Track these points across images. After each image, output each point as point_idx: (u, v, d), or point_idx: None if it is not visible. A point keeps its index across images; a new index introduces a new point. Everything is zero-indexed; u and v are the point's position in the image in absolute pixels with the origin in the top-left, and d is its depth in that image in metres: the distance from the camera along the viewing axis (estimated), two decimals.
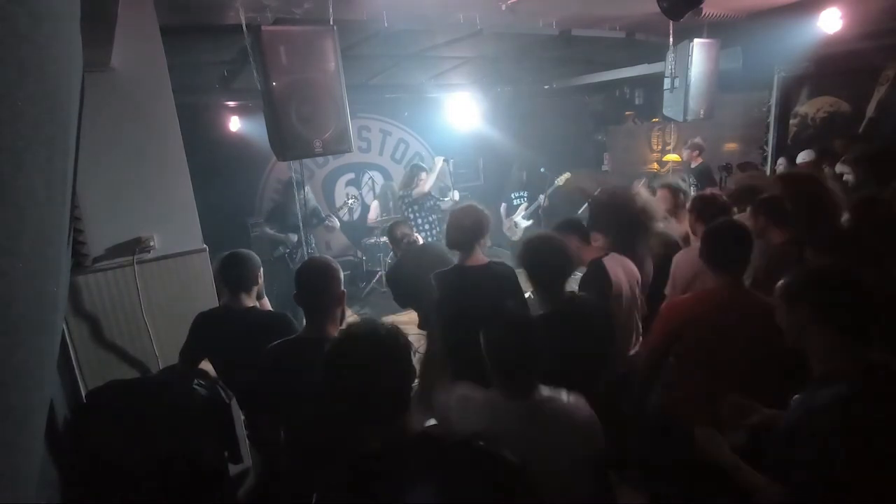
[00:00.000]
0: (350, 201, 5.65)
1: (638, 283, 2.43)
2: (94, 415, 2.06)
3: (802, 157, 4.38)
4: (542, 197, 5.39)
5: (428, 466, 1.00)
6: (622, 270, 2.36)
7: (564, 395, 1.47)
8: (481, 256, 2.31)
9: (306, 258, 4.20)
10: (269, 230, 4.87)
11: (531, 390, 1.44)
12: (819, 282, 1.30)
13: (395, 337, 1.08)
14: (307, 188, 4.59)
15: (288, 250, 4.77)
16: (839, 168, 3.47)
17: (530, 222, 5.44)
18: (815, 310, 1.27)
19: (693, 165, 5.21)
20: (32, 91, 0.60)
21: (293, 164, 3.88)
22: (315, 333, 1.69)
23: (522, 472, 1.05)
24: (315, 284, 1.70)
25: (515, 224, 5.47)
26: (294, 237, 4.75)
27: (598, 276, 2.30)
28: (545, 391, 1.46)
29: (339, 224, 5.31)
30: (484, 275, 2.24)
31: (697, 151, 5.20)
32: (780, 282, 1.37)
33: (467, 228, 2.28)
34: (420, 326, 2.38)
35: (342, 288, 1.75)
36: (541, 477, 1.32)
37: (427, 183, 4.76)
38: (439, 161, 5.02)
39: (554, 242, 1.94)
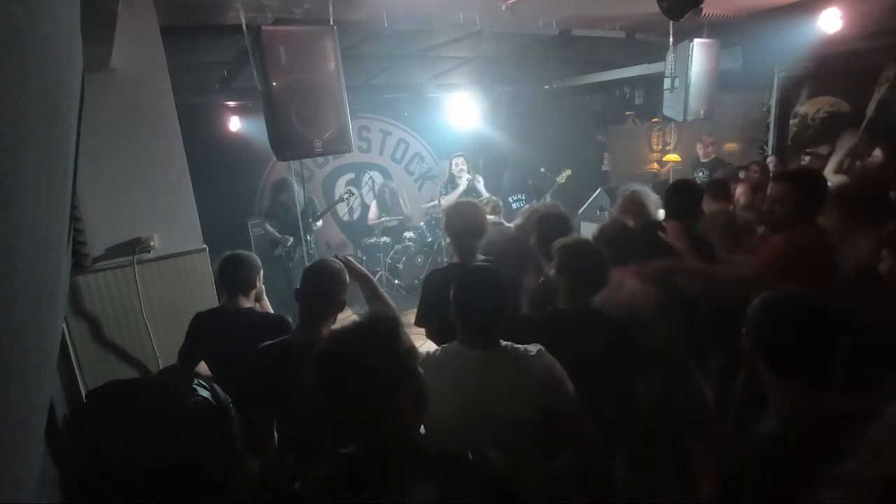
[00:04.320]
0: (346, 195, 5.64)
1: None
2: (94, 415, 2.06)
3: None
4: (546, 197, 5.36)
5: (412, 478, 0.96)
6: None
7: (532, 348, 1.49)
8: (478, 255, 2.31)
9: (306, 258, 4.23)
10: (269, 227, 4.89)
11: (494, 342, 1.48)
12: (760, 315, 1.23)
13: (387, 337, 1.00)
14: (296, 186, 4.61)
15: (286, 250, 4.77)
16: (876, 152, 3.51)
17: None
18: (754, 342, 1.23)
19: (706, 160, 5.26)
20: (32, 91, 0.60)
21: (292, 163, 3.88)
22: (307, 337, 1.69)
23: (511, 482, 1.03)
24: (323, 286, 1.72)
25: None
26: (290, 239, 4.76)
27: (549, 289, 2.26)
28: (508, 344, 1.49)
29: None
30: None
31: (712, 147, 5.27)
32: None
33: (465, 226, 2.28)
34: (416, 323, 2.37)
35: (345, 297, 1.77)
36: (493, 422, 1.38)
37: (455, 194, 5.03)
38: (465, 180, 5.15)
39: (594, 249, 1.88)
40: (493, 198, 3.79)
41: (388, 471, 0.96)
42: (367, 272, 2.02)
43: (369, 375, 0.96)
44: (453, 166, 5.17)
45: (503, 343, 1.49)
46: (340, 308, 1.76)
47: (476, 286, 1.48)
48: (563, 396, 1.47)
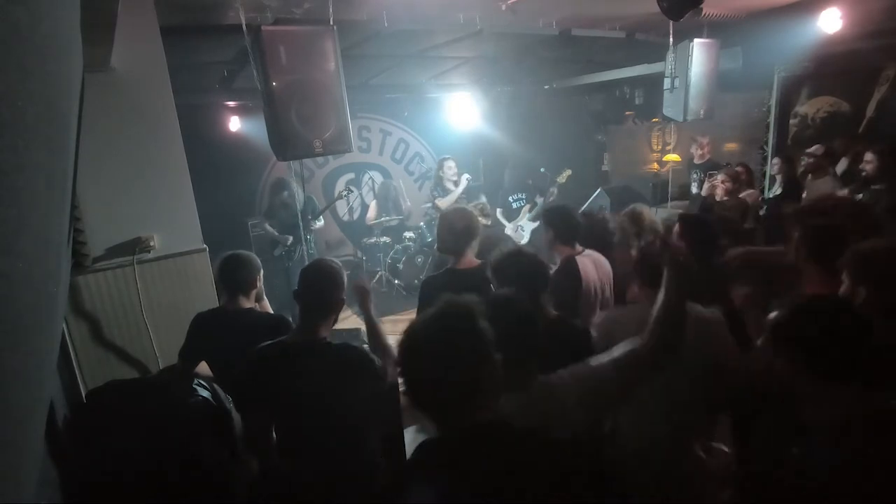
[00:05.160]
0: (345, 192, 5.61)
1: (610, 281, 2.44)
2: (94, 415, 2.06)
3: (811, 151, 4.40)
4: (552, 190, 5.33)
5: (503, 452, 0.99)
6: (594, 268, 2.37)
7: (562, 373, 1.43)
8: (473, 259, 2.32)
9: (306, 257, 4.23)
10: (269, 227, 4.90)
11: (531, 380, 1.40)
12: (800, 320, 1.18)
13: (468, 324, 1.04)
14: (296, 185, 4.61)
15: (285, 250, 4.78)
16: (867, 156, 3.52)
17: (537, 223, 5.37)
18: (798, 349, 1.17)
19: (700, 161, 5.27)
20: (32, 91, 0.60)
21: (292, 163, 3.88)
22: (307, 336, 1.70)
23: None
24: (320, 287, 1.72)
25: (521, 228, 5.43)
26: (289, 238, 4.76)
27: (569, 273, 2.31)
28: (542, 378, 1.41)
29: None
30: (475, 277, 2.24)
31: (706, 148, 5.28)
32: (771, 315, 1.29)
33: (459, 231, 2.29)
34: None
35: (343, 295, 1.77)
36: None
37: (453, 196, 4.92)
38: (464, 181, 5.10)
39: (525, 256, 1.89)
40: (481, 202, 3.80)
41: (478, 448, 0.99)
42: (369, 301, 1.97)
43: (453, 359, 1.00)
44: (445, 170, 5.06)
45: (540, 378, 1.41)
46: (339, 306, 1.77)
47: (508, 317, 1.36)
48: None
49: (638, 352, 1.42)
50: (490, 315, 1.38)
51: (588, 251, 2.46)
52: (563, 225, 2.46)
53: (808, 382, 1.17)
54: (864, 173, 3.57)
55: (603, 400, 1.41)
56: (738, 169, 4.63)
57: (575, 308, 2.27)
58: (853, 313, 1.16)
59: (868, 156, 3.53)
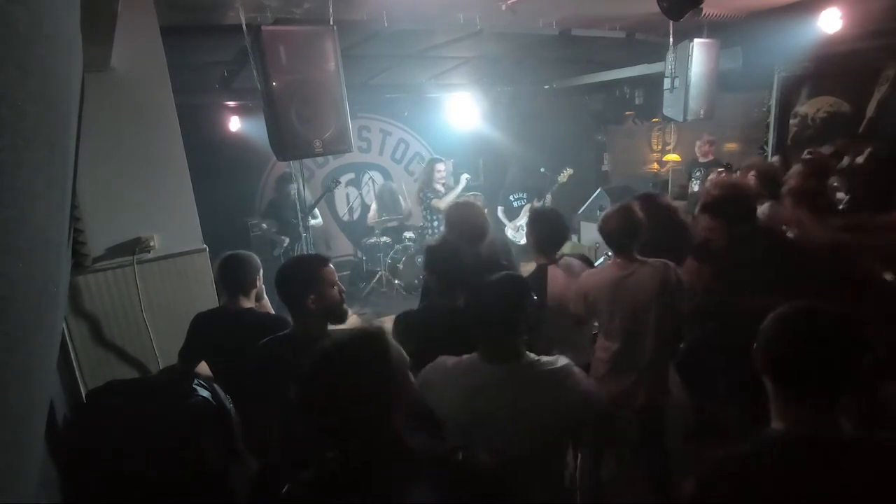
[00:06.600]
0: (333, 185, 5.58)
1: None
2: (94, 415, 2.06)
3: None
4: (547, 196, 5.34)
5: (405, 480, 0.97)
6: (567, 278, 2.26)
7: (558, 359, 1.43)
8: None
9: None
10: (265, 226, 4.90)
11: (517, 356, 1.41)
12: (771, 328, 1.13)
13: (377, 350, 1.03)
14: (294, 185, 4.59)
15: (283, 249, 4.79)
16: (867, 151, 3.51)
17: None
18: (762, 356, 1.13)
19: (704, 160, 5.27)
20: (32, 91, 0.60)
21: (292, 163, 3.88)
22: (301, 330, 1.72)
23: (501, 476, 1.04)
24: (289, 292, 1.72)
25: (521, 228, 5.44)
26: (286, 239, 4.76)
27: (536, 281, 2.24)
28: (531, 356, 1.43)
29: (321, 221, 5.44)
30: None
31: (710, 146, 5.28)
32: None
33: (470, 225, 2.28)
34: None
35: (319, 288, 1.72)
36: (520, 436, 1.34)
37: (448, 198, 4.88)
38: (464, 180, 5.09)
39: (449, 248, 1.96)
40: (476, 193, 3.79)
41: (375, 472, 0.99)
42: None
43: (360, 388, 0.99)
44: (435, 173, 5.00)
45: (527, 356, 1.42)
46: (321, 298, 1.72)
47: (492, 297, 1.42)
48: (595, 409, 1.45)
49: None
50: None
51: (567, 259, 2.34)
52: (542, 232, 2.35)
53: (770, 389, 1.13)
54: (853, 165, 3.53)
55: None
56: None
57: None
58: (829, 326, 1.06)
59: (867, 151, 3.51)
